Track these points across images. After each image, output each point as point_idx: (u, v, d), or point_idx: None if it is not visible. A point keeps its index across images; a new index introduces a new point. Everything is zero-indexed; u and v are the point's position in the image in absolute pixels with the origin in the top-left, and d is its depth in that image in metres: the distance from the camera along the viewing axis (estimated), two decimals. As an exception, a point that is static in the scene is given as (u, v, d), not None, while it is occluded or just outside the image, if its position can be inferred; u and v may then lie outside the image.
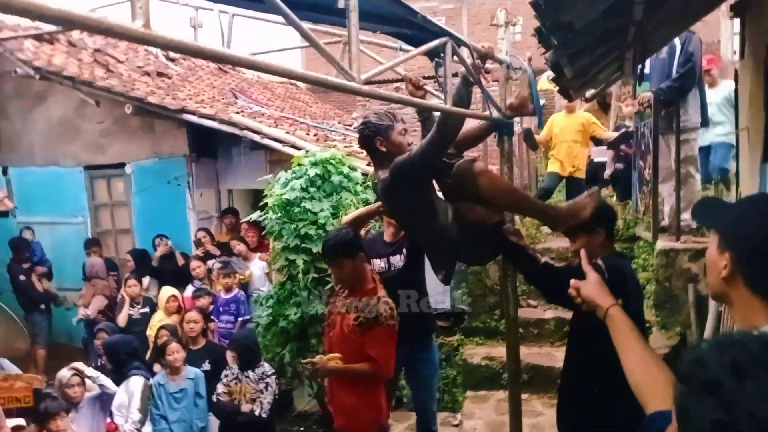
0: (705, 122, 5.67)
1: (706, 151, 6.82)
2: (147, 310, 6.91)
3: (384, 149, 3.01)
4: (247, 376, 5.01)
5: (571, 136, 7.55)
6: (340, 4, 1.80)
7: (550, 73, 4.02)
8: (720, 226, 1.54)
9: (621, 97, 7.64)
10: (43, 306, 7.98)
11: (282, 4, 1.35)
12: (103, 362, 5.69)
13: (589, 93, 5.32)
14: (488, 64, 3.02)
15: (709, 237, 1.60)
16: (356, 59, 1.76)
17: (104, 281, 7.63)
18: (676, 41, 5.35)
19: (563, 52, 2.99)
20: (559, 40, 2.61)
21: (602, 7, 2.37)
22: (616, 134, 7.39)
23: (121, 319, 6.80)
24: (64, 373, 5.06)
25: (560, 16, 2.22)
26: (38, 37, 8.18)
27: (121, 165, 8.32)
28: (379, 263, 4.18)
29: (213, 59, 1.33)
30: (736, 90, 4.86)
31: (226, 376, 5.07)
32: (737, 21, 4.64)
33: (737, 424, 0.90)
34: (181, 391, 5.24)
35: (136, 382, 5.09)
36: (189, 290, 6.98)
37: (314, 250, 5.32)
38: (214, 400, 5.03)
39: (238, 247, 7.15)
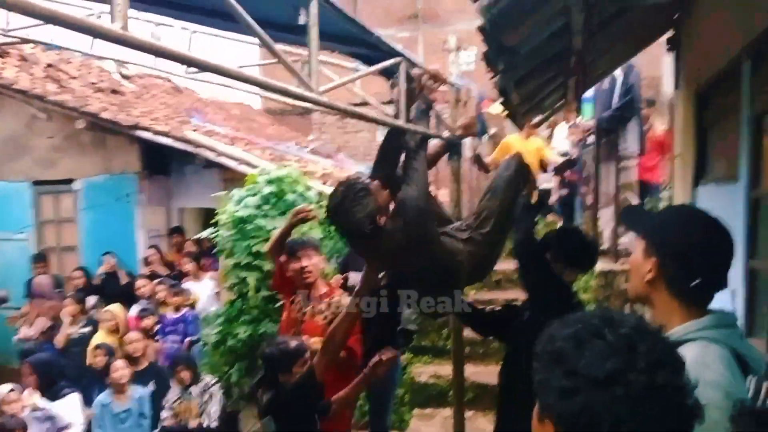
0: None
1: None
2: (87, 330, 6.70)
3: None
4: (190, 393, 4.99)
5: (531, 159, 7.66)
6: (301, 21, 1.92)
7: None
8: (646, 232, 1.65)
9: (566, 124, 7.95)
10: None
11: (254, 23, 1.45)
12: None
13: (534, 119, 5.57)
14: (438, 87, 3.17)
15: (635, 242, 1.74)
16: (315, 72, 1.87)
17: (50, 301, 7.42)
18: (618, 73, 5.67)
19: (510, 77, 3.17)
20: (505, 64, 2.79)
21: (545, 34, 2.56)
22: (562, 159, 7.68)
23: (60, 340, 6.62)
24: (2, 389, 4.93)
25: (505, 40, 2.39)
26: (-13, 50, 8.05)
27: (70, 181, 8.19)
28: (356, 278, 4.11)
29: (184, 62, 1.42)
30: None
31: (168, 400, 5.05)
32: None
33: (579, 389, 0.97)
34: (125, 411, 5.17)
35: (72, 400, 5.01)
36: (134, 310, 6.87)
37: (266, 268, 5.34)
38: (159, 428, 4.98)
39: (188, 266, 7.10)
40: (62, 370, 5.52)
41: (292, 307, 3.76)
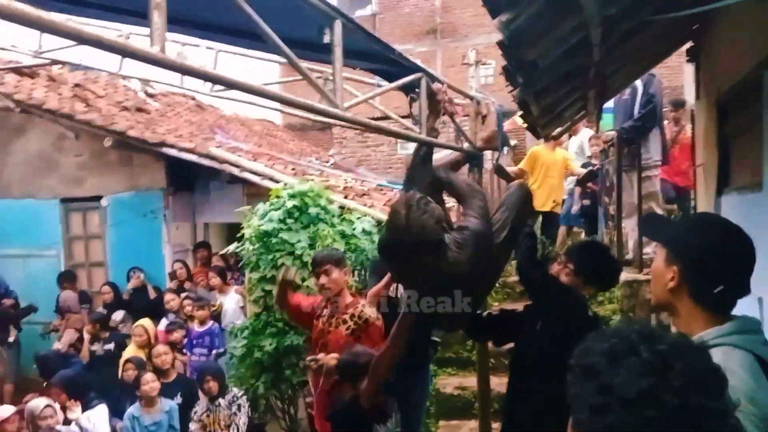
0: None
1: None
2: (111, 346, 6.85)
3: None
4: (218, 405, 5.05)
5: (556, 171, 7.64)
6: (326, 40, 1.99)
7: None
8: (668, 241, 1.67)
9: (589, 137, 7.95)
10: (11, 339, 7.87)
11: (281, 43, 1.52)
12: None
13: (556, 131, 5.60)
14: (459, 100, 3.23)
15: (656, 250, 1.76)
16: (339, 89, 1.94)
17: (77, 315, 7.59)
18: (638, 83, 5.68)
19: (529, 90, 3.21)
20: (525, 78, 2.83)
21: (563, 48, 2.60)
22: (585, 171, 7.68)
23: (84, 355, 6.76)
24: (37, 404, 5.02)
25: (524, 55, 2.44)
26: (19, 71, 8.29)
27: (98, 198, 8.37)
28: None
29: (218, 82, 1.49)
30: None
31: (196, 412, 5.12)
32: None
33: (610, 407, 0.94)
34: (155, 423, 5.25)
35: (100, 411, 5.10)
36: (163, 323, 6.99)
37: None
38: (188, 437, 5.06)
39: (213, 279, 7.21)
40: (88, 383, 5.63)
41: (320, 318, 3.86)
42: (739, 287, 1.60)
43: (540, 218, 8.01)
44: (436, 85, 2.89)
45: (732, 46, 3.77)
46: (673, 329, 1.74)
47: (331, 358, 3.59)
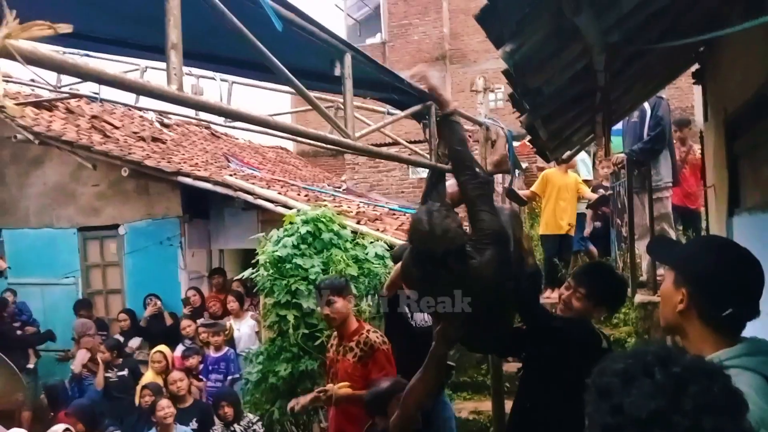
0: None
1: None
2: (125, 373, 6.90)
3: None
4: (234, 430, 5.07)
5: (568, 194, 7.54)
6: (336, 73, 2.06)
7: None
8: (676, 263, 1.67)
9: (597, 159, 7.99)
10: (30, 365, 7.95)
11: (290, 75, 1.59)
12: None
13: (565, 155, 5.64)
14: (469, 126, 3.28)
15: (664, 273, 1.77)
16: (351, 119, 2.01)
17: (92, 338, 7.63)
18: (646, 105, 5.73)
19: (536, 116, 3.27)
20: (531, 104, 2.89)
21: (567, 75, 2.66)
22: (596, 195, 7.68)
23: (99, 382, 6.80)
24: (56, 429, 5.09)
25: (529, 82, 2.50)
26: (38, 104, 8.49)
27: (115, 226, 8.50)
28: (422, 317, 3.98)
29: (233, 117, 1.55)
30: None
31: (212, 437, 5.14)
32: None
33: (621, 427, 0.95)
34: (170, 450, 5.27)
35: None
36: (179, 350, 7.05)
37: (305, 306, 5.47)
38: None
39: (231, 304, 7.28)
40: (103, 411, 5.69)
41: (331, 348, 3.92)
42: (748, 309, 1.59)
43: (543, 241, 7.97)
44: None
45: (738, 67, 3.81)
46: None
47: (339, 388, 3.60)
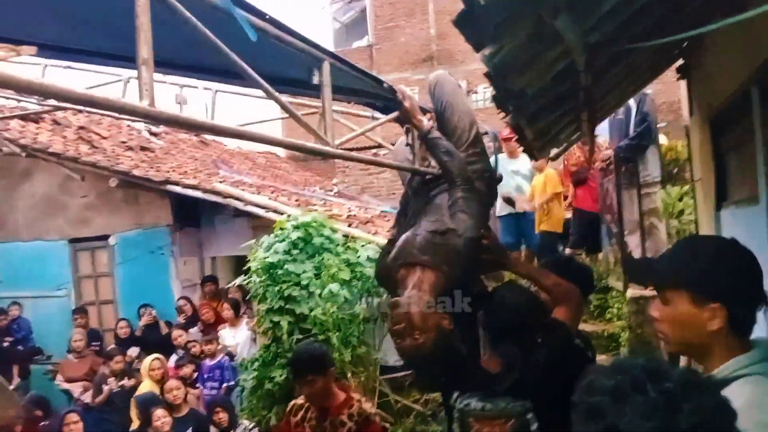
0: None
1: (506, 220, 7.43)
2: (124, 381, 6.85)
3: None
4: (229, 438, 5.06)
5: (539, 193, 7.53)
6: (315, 81, 2.05)
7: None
8: (691, 282, 1.50)
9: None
10: (12, 387, 7.85)
11: (264, 83, 1.58)
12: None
13: (552, 152, 5.64)
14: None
15: (660, 298, 1.57)
16: (330, 127, 2.00)
17: (84, 358, 7.52)
18: (631, 102, 5.74)
19: (520, 116, 3.27)
20: (514, 105, 2.89)
21: (549, 76, 2.66)
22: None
23: (100, 400, 6.72)
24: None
25: (511, 84, 2.50)
26: (24, 117, 8.44)
27: (105, 237, 8.46)
28: None
29: (209, 131, 1.54)
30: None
31: (207, 445, 5.12)
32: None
33: None
34: (169, 459, 5.25)
35: None
36: (173, 359, 7.02)
37: (298, 311, 5.47)
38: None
39: (227, 312, 7.27)
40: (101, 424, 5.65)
41: (306, 424, 3.26)
42: (758, 307, 1.49)
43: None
44: (399, 89, 2.74)
45: (722, 62, 3.83)
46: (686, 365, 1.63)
47: None
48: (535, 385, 2.32)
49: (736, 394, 1.32)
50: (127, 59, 2.30)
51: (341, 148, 2.12)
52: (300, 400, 3.32)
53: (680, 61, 4.98)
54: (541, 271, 2.84)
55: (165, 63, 2.31)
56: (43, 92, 1.10)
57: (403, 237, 2.59)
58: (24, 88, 1.06)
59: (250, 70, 1.57)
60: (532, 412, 2.29)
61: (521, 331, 2.35)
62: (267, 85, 1.65)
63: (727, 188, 4.21)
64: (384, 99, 2.65)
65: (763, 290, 1.50)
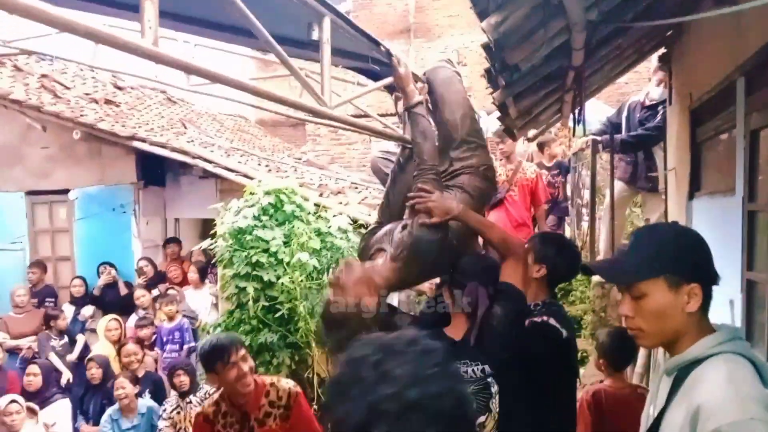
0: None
1: None
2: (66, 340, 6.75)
3: None
4: (189, 402, 4.97)
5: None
6: (314, 36, 1.97)
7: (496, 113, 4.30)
8: (665, 267, 1.52)
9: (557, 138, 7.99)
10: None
11: (273, 41, 1.50)
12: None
13: (530, 133, 5.64)
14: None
15: (630, 294, 1.57)
16: (328, 88, 1.92)
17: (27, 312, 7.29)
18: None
19: (509, 92, 3.24)
20: (506, 80, 2.85)
21: (545, 52, 2.63)
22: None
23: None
24: (1, 402, 4.92)
25: (508, 58, 2.45)
26: (-16, 60, 8.07)
27: (65, 191, 8.19)
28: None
29: (214, 80, 1.45)
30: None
31: (165, 410, 5.02)
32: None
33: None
34: (134, 427, 5.17)
35: (61, 406, 5.04)
36: (132, 320, 6.89)
37: (265, 278, 5.38)
38: (157, 437, 4.97)
39: (192, 275, 7.16)
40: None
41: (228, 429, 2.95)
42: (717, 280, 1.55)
43: None
44: (395, 54, 2.67)
45: (706, 53, 3.85)
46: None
47: None
48: (492, 349, 2.36)
49: (712, 370, 1.44)
50: (117, 5, 2.17)
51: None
52: (211, 408, 3.00)
53: (662, 50, 5.01)
54: (488, 223, 2.88)
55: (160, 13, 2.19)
56: (47, 20, 1.01)
57: (389, 226, 2.76)
58: (23, 12, 0.97)
59: (258, 23, 1.48)
60: (491, 377, 2.36)
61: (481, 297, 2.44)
62: (272, 41, 1.57)
63: (701, 178, 4.27)
64: (378, 63, 2.57)
65: (715, 268, 1.55)
